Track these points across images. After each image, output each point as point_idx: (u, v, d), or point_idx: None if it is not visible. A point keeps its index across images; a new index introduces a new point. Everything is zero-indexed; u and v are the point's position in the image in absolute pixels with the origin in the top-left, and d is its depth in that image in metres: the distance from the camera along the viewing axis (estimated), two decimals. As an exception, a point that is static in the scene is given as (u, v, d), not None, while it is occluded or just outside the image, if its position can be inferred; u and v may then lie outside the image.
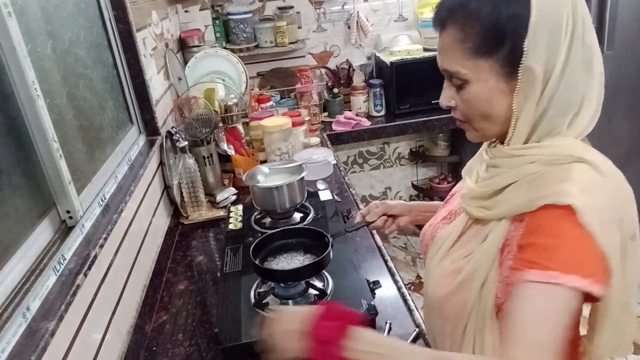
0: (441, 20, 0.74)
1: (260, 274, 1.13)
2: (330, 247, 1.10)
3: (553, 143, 0.71)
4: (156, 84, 1.82)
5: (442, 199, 3.70)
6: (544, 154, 0.70)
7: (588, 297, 0.65)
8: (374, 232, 1.48)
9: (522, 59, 0.67)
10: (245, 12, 2.61)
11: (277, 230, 1.25)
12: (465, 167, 0.92)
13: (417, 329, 1.05)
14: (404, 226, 1.13)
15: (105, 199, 1.22)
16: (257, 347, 0.76)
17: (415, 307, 1.14)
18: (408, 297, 1.17)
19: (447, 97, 0.77)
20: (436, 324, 0.85)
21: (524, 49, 0.67)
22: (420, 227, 1.02)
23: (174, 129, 1.79)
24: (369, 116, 2.73)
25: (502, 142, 0.78)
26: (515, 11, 0.67)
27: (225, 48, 2.52)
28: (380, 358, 0.66)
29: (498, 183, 0.74)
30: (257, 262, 1.11)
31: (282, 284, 1.11)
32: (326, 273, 1.16)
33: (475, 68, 0.71)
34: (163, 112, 1.87)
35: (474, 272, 0.74)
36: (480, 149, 0.88)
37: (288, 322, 0.74)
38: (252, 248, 1.15)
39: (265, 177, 1.53)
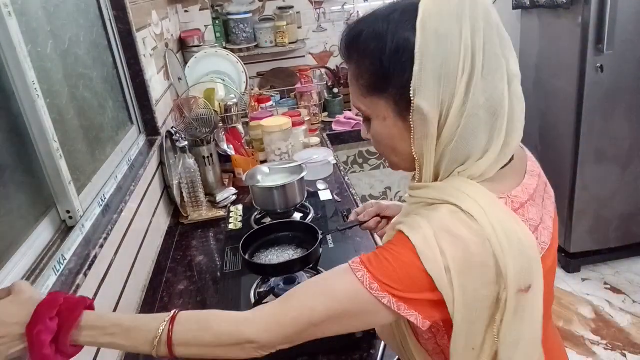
0: (342, 53, 0.71)
1: (248, 267, 1.14)
2: (319, 242, 1.10)
3: (443, 184, 0.67)
4: (156, 84, 1.82)
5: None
6: (426, 195, 0.68)
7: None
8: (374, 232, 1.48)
9: (411, 97, 0.62)
10: (245, 12, 2.61)
11: (269, 223, 1.26)
12: None
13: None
14: None
15: (105, 199, 1.22)
16: None
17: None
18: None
19: (363, 131, 0.75)
20: None
21: (412, 88, 0.62)
22: None
23: (174, 129, 1.79)
24: (369, 116, 2.73)
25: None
26: (398, 45, 0.62)
27: (225, 48, 2.52)
28: (114, 338, 0.66)
29: (397, 221, 0.72)
30: (246, 256, 1.12)
31: (281, 284, 1.11)
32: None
33: (372, 105, 0.68)
34: (163, 112, 1.87)
35: None
36: None
37: (9, 315, 0.64)
38: (242, 242, 1.15)
39: (265, 177, 1.53)
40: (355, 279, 0.64)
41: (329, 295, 0.65)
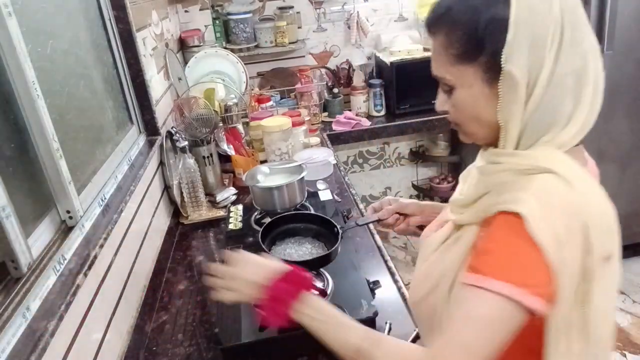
0: (430, 27, 0.75)
1: None
2: (340, 240, 1.08)
3: (532, 153, 0.69)
4: (156, 84, 1.82)
5: (442, 198, 3.68)
6: (517, 163, 0.69)
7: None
8: (374, 232, 1.48)
9: (502, 64, 0.66)
10: (245, 12, 2.61)
11: (288, 213, 1.23)
12: (463, 172, 0.91)
13: (417, 329, 1.05)
14: (413, 226, 1.11)
15: (105, 199, 1.22)
16: (213, 282, 0.86)
17: (415, 307, 1.14)
18: (408, 297, 1.17)
19: (440, 102, 0.78)
20: (419, 328, 0.87)
21: (503, 55, 0.66)
22: (422, 227, 1.02)
23: (174, 129, 1.79)
24: (369, 116, 2.73)
25: (495, 146, 0.76)
26: (494, 16, 0.66)
27: (225, 48, 2.52)
28: (321, 324, 0.74)
29: (475, 192, 0.74)
30: (264, 247, 1.09)
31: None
32: (326, 273, 1.16)
33: (459, 74, 0.71)
34: (163, 112, 1.87)
35: (441, 275, 0.75)
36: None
37: (251, 272, 0.81)
38: (261, 232, 1.12)
39: (265, 177, 1.53)
40: (492, 296, 0.61)
41: (480, 327, 0.63)
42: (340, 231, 1.11)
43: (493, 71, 0.68)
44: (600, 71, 0.70)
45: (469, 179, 0.84)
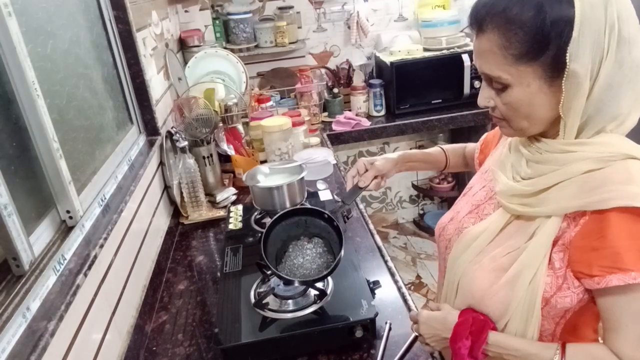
0: (479, 23, 0.74)
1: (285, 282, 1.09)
2: (343, 240, 1.07)
3: (601, 140, 0.72)
4: (156, 84, 1.82)
5: (442, 198, 3.67)
6: (595, 151, 0.72)
7: None
8: (374, 232, 1.48)
9: (567, 63, 0.68)
10: (245, 12, 2.61)
11: (273, 219, 1.16)
12: (492, 160, 0.93)
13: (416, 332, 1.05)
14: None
15: (105, 199, 1.22)
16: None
17: (416, 307, 1.14)
18: (408, 297, 1.17)
19: (486, 97, 0.78)
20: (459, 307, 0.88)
21: (568, 53, 0.67)
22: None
23: (174, 129, 1.79)
24: (369, 116, 2.73)
25: (542, 137, 0.79)
26: (559, 16, 0.67)
27: (225, 48, 2.52)
28: (512, 358, 0.77)
29: (545, 182, 0.76)
30: (277, 271, 1.07)
31: (281, 284, 1.11)
32: (326, 273, 1.16)
33: (517, 74, 0.72)
34: (163, 112, 1.87)
35: (522, 269, 0.76)
36: (507, 141, 0.89)
37: (437, 329, 0.87)
38: (262, 250, 1.08)
39: (265, 177, 1.53)
40: None
41: None
42: (332, 217, 1.10)
43: (555, 70, 0.69)
44: None
45: (508, 168, 0.84)
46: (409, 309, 1.14)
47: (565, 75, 0.69)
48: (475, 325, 0.80)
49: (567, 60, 0.68)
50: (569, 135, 0.73)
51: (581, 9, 0.66)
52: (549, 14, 0.67)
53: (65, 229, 1.03)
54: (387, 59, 2.62)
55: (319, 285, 1.10)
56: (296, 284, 1.08)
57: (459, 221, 0.93)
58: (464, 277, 0.85)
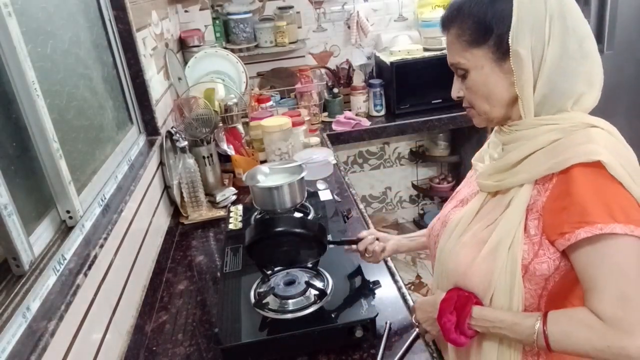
0: (444, 23, 0.87)
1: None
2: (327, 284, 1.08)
3: (565, 115, 0.80)
4: (156, 84, 1.82)
5: (442, 198, 3.67)
6: (564, 120, 0.79)
7: None
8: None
9: (510, 45, 0.78)
10: (245, 12, 2.61)
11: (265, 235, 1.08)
12: (475, 156, 0.99)
13: (416, 329, 1.05)
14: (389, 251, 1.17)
15: (105, 199, 1.22)
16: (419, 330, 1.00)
17: (415, 307, 1.14)
18: (408, 297, 1.17)
19: (456, 89, 0.89)
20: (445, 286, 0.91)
21: (510, 37, 0.78)
22: (422, 228, 1.07)
23: (174, 129, 1.79)
24: (369, 116, 2.73)
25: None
26: (501, 7, 0.79)
27: (225, 48, 2.52)
28: (497, 330, 0.81)
29: (516, 155, 0.82)
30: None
31: (281, 284, 1.11)
32: (326, 273, 1.16)
33: (471, 57, 0.83)
34: (163, 112, 1.87)
35: (500, 239, 0.81)
36: (488, 140, 0.96)
37: (429, 311, 0.93)
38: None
39: (265, 177, 1.53)
40: (627, 239, 0.71)
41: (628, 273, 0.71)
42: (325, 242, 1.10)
43: (500, 52, 0.80)
44: (597, 49, 0.82)
45: (486, 157, 0.93)
46: (409, 309, 1.13)
47: (510, 57, 0.79)
48: (459, 300, 0.85)
49: (510, 43, 0.78)
50: (529, 113, 0.81)
51: (519, 2, 0.77)
52: (492, 7, 0.80)
53: (65, 229, 1.03)
54: (387, 58, 2.61)
55: (319, 285, 1.11)
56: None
57: (445, 216, 0.98)
58: (449, 258, 0.89)
